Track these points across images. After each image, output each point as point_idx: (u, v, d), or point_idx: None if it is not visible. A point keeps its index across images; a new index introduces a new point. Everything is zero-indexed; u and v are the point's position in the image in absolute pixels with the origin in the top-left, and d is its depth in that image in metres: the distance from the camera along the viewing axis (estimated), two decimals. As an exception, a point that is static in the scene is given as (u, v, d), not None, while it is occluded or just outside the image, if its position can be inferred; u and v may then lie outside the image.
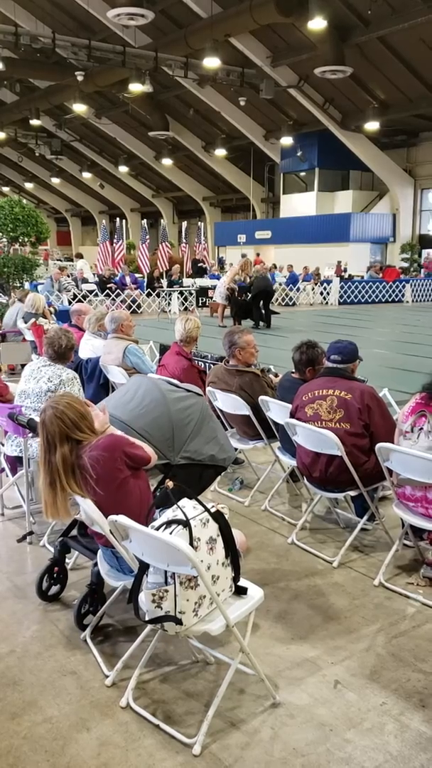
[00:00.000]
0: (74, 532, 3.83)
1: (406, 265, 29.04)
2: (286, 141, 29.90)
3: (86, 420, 3.20)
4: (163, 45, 23.96)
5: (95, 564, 3.48)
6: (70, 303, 17.61)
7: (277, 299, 21.85)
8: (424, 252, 30.56)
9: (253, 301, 17.33)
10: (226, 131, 32.55)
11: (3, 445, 5.10)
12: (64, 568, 3.90)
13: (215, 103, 29.28)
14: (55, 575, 3.86)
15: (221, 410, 5.55)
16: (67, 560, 4.05)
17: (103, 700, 3.02)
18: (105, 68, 24.15)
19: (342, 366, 4.50)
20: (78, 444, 3.13)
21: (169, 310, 19.83)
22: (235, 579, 2.92)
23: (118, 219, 25.23)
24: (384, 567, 4.09)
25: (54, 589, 3.85)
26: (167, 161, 36.94)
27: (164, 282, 21.34)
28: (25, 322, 10.07)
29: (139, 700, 3.00)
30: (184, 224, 24.91)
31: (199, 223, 28.16)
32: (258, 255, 29.84)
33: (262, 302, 17.36)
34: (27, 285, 16.78)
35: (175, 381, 4.49)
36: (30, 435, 4.48)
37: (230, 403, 5.35)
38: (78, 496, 3.11)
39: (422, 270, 28.10)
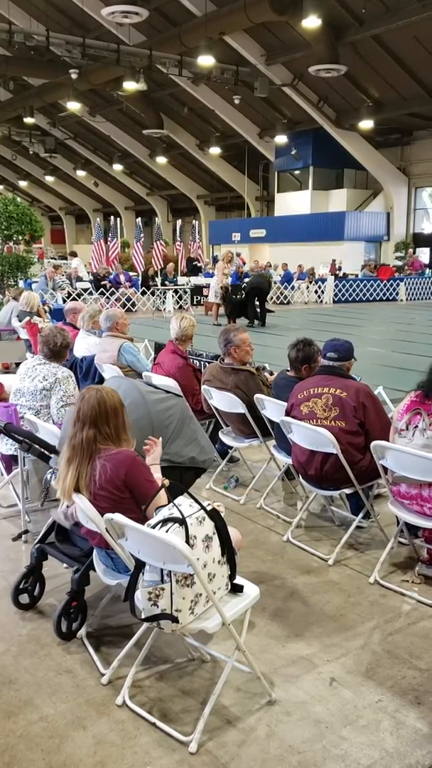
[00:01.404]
0: (52, 537, 3.75)
1: (400, 263, 29.06)
2: (281, 139, 29.87)
3: (117, 419, 3.19)
4: (157, 43, 23.92)
5: (75, 571, 3.44)
6: (64, 301, 17.58)
7: (271, 297, 21.87)
8: (418, 251, 30.62)
9: (247, 299, 17.33)
10: (221, 129, 32.51)
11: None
12: (41, 575, 3.80)
13: (210, 102, 29.23)
14: (28, 585, 3.76)
15: (217, 408, 5.56)
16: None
17: (99, 698, 3.02)
18: (99, 66, 24.08)
19: (338, 364, 4.51)
20: (99, 435, 3.13)
21: (164, 309, 19.82)
22: (231, 577, 2.92)
23: (112, 217, 25.17)
24: (379, 564, 4.10)
25: (34, 593, 3.77)
26: (162, 159, 36.87)
27: (159, 280, 21.32)
28: (20, 321, 10.05)
29: (135, 699, 3.00)
30: (179, 222, 24.88)
31: (194, 221, 28.16)
32: (239, 254, 29.73)
33: (257, 300, 17.37)
34: (21, 283, 16.74)
35: (155, 381, 4.47)
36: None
37: (226, 402, 5.35)
38: (76, 494, 3.12)
39: (405, 268, 27.92)
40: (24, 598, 3.75)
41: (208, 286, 19.43)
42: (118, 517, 2.85)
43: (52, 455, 4.15)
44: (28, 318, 9.85)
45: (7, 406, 4.81)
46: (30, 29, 22.75)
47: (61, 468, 3.21)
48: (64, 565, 4.06)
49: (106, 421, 3.15)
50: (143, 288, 21.31)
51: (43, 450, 4.23)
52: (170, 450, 3.85)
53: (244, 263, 23.98)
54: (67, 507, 3.43)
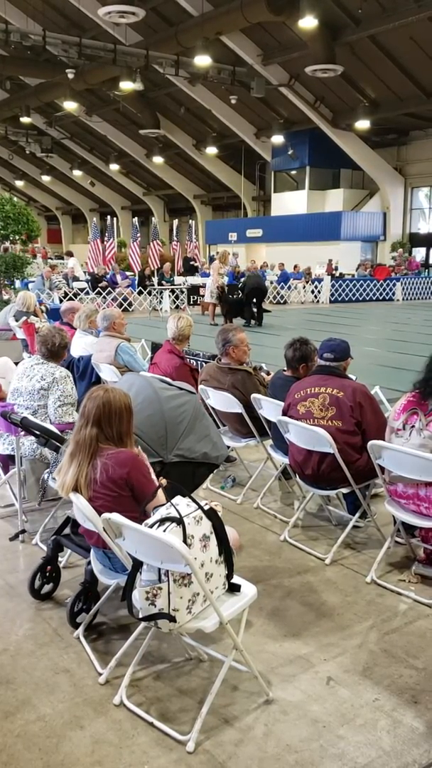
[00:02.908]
0: (67, 530, 3.82)
1: (394, 263, 29.07)
2: (277, 139, 29.91)
3: (122, 423, 3.20)
4: (153, 43, 23.92)
5: (89, 562, 3.47)
6: (61, 301, 17.56)
7: (268, 297, 21.86)
8: (414, 251, 30.65)
9: (245, 299, 17.35)
10: (218, 129, 32.53)
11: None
12: (57, 567, 3.89)
13: (206, 102, 29.25)
14: (47, 574, 3.85)
15: (214, 408, 5.56)
16: (60, 558, 4.05)
17: (97, 698, 3.02)
18: (96, 66, 24.08)
19: (334, 364, 4.52)
20: (101, 435, 3.14)
21: (161, 309, 19.81)
22: (229, 576, 2.92)
23: (108, 217, 25.14)
24: (376, 564, 4.11)
25: (47, 587, 3.84)
26: (158, 159, 36.87)
27: (155, 280, 21.32)
28: (17, 321, 10.03)
29: (133, 698, 3.00)
30: (175, 222, 24.88)
31: (190, 221, 28.14)
32: (236, 254, 29.65)
33: (254, 300, 17.39)
34: (18, 283, 16.72)
35: (168, 379, 4.49)
36: (22, 434, 4.47)
37: (222, 401, 5.35)
38: (73, 494, 3.12)
39: (401, 267, 27.89)
40: (38, 588, 3.80)
41: (204, 286, 19.43)
42: (116, 517, 2.85)
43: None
44: (25, 318, 9.84)
45: (4, 405, 4.80)
46: (27, 29, 22.74)
47: (63, 461, 3.23)
48: (61, 561, 4.08)
49: (110, 422, 3.16)
50: (140, 288, 21.29)
51: (58, 444, 4.25)
52: (183, 446, 3.88)
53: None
54: None
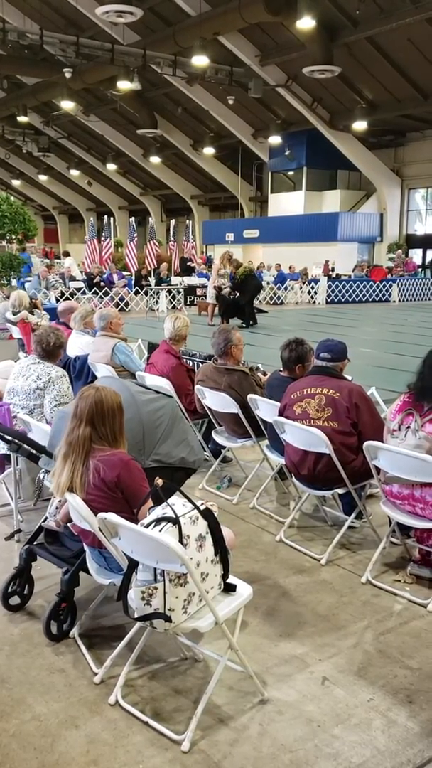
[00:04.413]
0: (41, 539, 3.73)
1: (392, 264, 29.12)
2: (275, 140, 29.91)
3: (115, 421, 3.20)
4: (151, 43, 23.90)
5: (65, 572, 3.43)
6: (57, 300, 17.53)
7: (264, 298, 21.86)
8: (411, 252, 30.69)
9: (248, 300, 17.36)
10: (215, 130, 32.53)
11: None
12: (30, 576, 3.78)
13: (204, 102, 29.24)
14: (18, 584, 3.74)
15: (210, 408, 5.56)
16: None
17: (92, 697, 3.02)
18: (93, 65, 24.04)
19: (331, 364, 4.52)
20: (95, 434, 3.13)
21: (157, 309, 19.81)
22: (224, 576, 2.93)
23: (105, 217, 25.16)
24: (371, 564, 4.12)
25: (20, 597, 3.75)
26: (155, 159, 36.86)
27: (152, 280, 21.32)
28: (14, 315, 10.03)
29: (128, 698, 3.00)
30: (172, 222, 24.87)
31: (188, 221, 28.15)
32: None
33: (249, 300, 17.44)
34: (14, 282, 16.71)
35: (147, 382, 4.46)
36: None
37: (219, 402, 5.36)
38: (68, 493, 3.12)
39: (398, 268, 27.91)
40: (13, 600, 3.73)
41: (201, 286, 19.43)
42: (112, 517, 2.85)
43: (42, 455, 4.12)
44: (23, 314, 9.85)
45: (0, 405, 4.81)
46: (24, 28, 22.71)
47: (57, 463, 3.23)
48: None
49: (103, 421, 3.16)
50: (136, 288, 21.29)
51: (32, 450, 4.21)
52: (161, 451, 3.85)
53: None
54: (57, 508, 3.44)
